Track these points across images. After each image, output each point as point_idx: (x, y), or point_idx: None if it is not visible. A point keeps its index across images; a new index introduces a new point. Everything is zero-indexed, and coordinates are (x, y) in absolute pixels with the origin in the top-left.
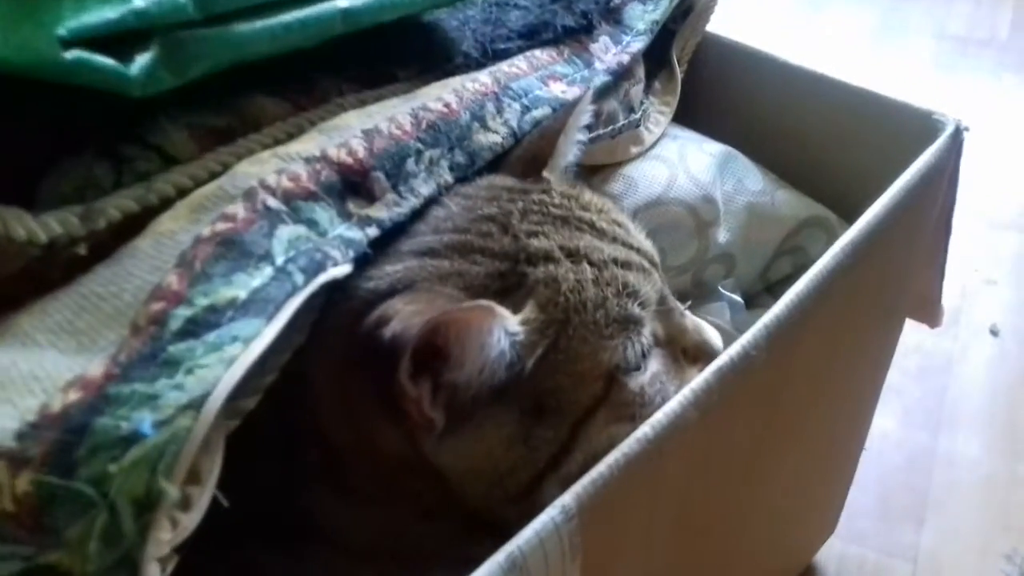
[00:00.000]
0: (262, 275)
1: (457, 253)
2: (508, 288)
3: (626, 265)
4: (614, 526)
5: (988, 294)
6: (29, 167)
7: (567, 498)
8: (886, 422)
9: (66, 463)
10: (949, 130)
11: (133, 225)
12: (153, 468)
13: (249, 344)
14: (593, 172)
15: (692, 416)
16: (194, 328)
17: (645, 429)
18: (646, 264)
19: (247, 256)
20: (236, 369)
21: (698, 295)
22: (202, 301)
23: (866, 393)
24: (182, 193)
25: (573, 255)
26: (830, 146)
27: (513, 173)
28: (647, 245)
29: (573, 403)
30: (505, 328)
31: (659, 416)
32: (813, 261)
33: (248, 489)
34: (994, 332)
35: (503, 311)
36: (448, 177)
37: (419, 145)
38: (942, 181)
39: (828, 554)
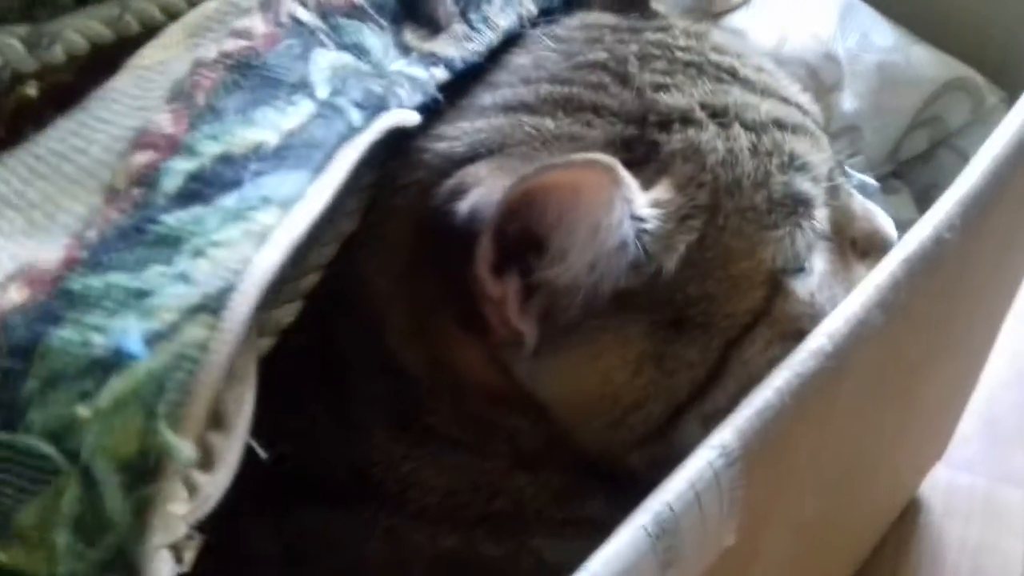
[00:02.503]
0: (299, 111)
1: (561, 110)
2: (635, 161)
3: (791, 128)
4: (778, 471)
5: None
6: None
7: (727, 435)
8: None
9: (8, 404)
10: None
11: (105, 62)
12: (150, 410)
13: (289, 209)
14: None
15: (878, 321)
16: (201, 188)
17: (822, 340)
18: (811, 125)
19: (273, 85)
20: (273, 249)
21: None
22: (210, 148)
23: (1012, 289)
24: (173, 18)
25: (720, 115)
26: None
27: (608, 7)
28: (806, 100)
29: (726, 316)
30: (630, 208)
31: (837, 324)
32: (953, 134)
33: (288, 436)
34: None
35: (629, 179)
36: (531, 6)
37: None
38: None
39: (934, 484)
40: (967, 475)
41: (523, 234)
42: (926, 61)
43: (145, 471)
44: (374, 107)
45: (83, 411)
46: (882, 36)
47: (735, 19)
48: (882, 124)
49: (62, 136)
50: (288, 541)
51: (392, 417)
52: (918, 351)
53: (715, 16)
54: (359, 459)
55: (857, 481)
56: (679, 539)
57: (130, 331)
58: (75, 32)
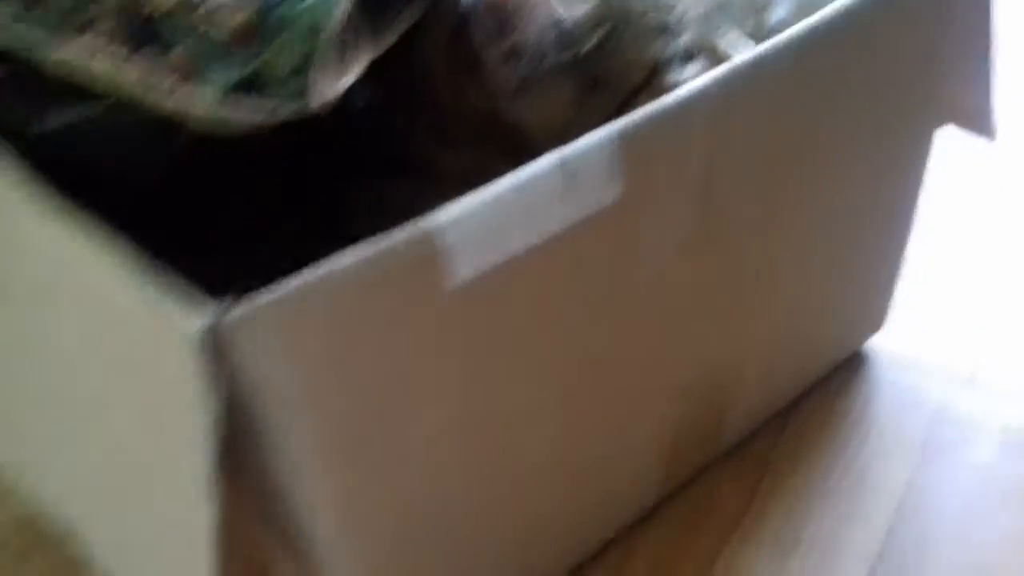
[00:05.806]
0: None
1: None
2: None
3: None
4: (649, 168)
5: None
6: None
7: (612, 126)
8: None
9: (268, 4)
10: None
11: None
12: (327, 7)
13: None
14: None
15: (713, 91)
16: None
17: (677, 92)
18: None
19: None
20: None
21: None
22: None
23: (894, 199)
24: None
25: None
26: None
27: None
28: None
29: (622, 84)
30: (551, 13)
31: (688, 86)
32: None
33: (379, 135)
34: None
35: None
36: None
37: None
38: None
39: (879, 347)
40: (911, 344)
41: (502, 19)
42: None
43: (322, 28)
44: None
45: (299, 7)
46: None
47: None
48: None
49: None
50: (373, 199)
51: (434, 129)
52: (759, 161)
53: None
54: (417, 153)
55: (744, 279)
56: (575, 172)
57: None
58: None
